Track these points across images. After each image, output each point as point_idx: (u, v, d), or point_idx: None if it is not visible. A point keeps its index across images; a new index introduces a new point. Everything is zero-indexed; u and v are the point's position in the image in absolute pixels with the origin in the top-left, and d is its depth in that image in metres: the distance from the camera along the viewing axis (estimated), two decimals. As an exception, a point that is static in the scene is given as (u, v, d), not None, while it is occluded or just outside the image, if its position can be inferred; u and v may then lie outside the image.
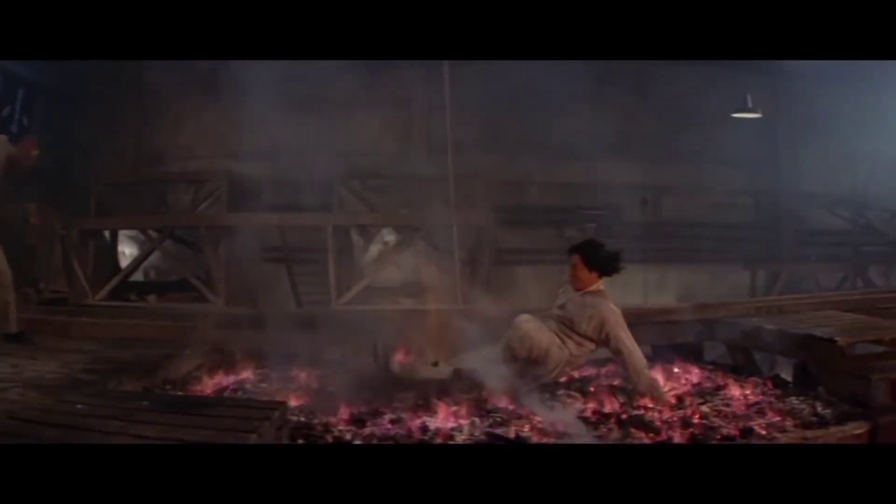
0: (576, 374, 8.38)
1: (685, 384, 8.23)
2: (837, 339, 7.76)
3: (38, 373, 7.02)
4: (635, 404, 7.25)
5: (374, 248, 14.94)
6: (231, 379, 8.02)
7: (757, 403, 7.28)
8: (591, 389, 7.71)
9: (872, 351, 8.36)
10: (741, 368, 8.81)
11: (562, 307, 8.17)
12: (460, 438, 6.23)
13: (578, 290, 8.12)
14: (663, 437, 6.35)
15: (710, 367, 8.92)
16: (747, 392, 7.70)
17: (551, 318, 8.11)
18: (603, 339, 7.91)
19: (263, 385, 7.91)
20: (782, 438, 6.29)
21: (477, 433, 6.35)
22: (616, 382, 8.07)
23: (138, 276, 14.64)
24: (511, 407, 7.05)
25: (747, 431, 6.41)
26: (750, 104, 15.71)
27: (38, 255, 12.84)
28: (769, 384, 8.00)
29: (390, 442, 6.12)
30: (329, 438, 6.13)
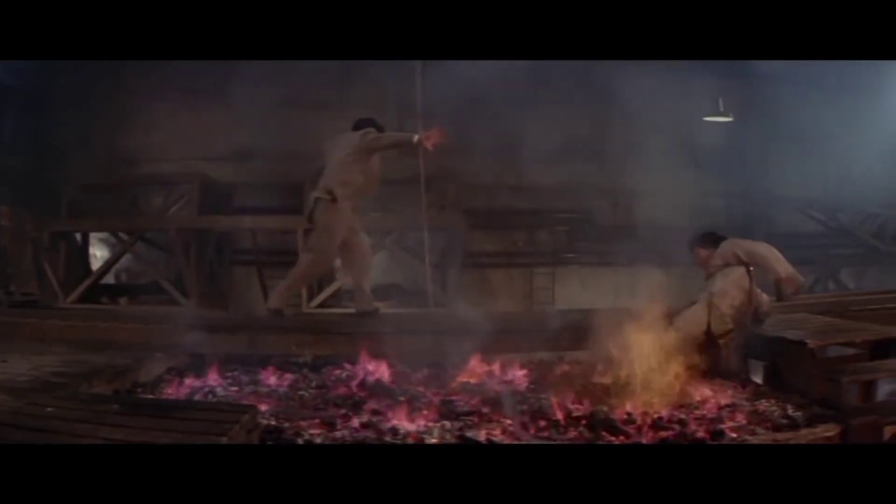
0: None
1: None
2: (808, 341, 7.79)
3: (8, 375, 6.97)
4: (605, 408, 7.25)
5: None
6: (202, 382, 8.00)
7: (727, 406, 7.30)
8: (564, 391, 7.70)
9: (843, 353, 8.41)
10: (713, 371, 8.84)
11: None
12: (431, 442, 6.24)
13: (711, 273, 8.88)
14: (633, 440, 6.37)
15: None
16: (717, 394, 7.71)
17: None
18: (747, 260, 8.63)
19: (234, 388, 7.89)
20: (753, 441, 6.32)
21: (448, 437, 6.36)
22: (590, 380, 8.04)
23: (109, 279, 14.62)
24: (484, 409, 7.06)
25: (718, 434, 6.43)
26: (722, 108, 15.78)
27: (8, 257, 12.78)
28: (740, 386, 8.02)
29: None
30: (300, 442, 6.13)
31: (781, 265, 8.51)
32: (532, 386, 8.08)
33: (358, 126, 10.40)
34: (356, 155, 10.10)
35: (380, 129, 10.40)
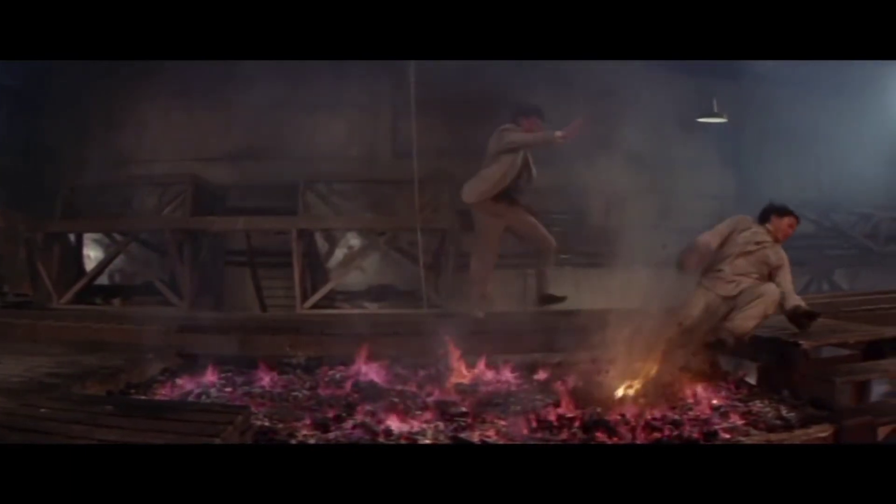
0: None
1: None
2: (802, 342, 7.80)
3: (1, 376, 6.98)
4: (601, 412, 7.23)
5: (339, 252, 14.94)
6: (195, 383, 7.98)
7: (721, 407, 7.30)
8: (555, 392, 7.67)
9: (837, 354, 8.42)
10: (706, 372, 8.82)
11: (759, 244, 9.07)
12: (424, 442, 6.22)
13: (779, 241, 9.18)
14: (627, 440, 6.36)
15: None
16: (711, 395, 7.69)
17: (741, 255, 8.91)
18: (766, 276, 8.69)
19: (228, 389, 7.88)
20: (746, 442, 6.31)
21: (441, 438, 6.35)
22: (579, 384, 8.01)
23: (103, 280, 14.57)
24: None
25: (711, 435, 6.42)
26: (716, 109, 15.73)
27: (2, 257, 12.76)
28: (733, 387, 8.01)
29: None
30: (293, 442, 6.12)
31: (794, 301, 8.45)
32: (526, 387, 8.08)
33: (517, 111, 10.47)
34: (495, 156, 10.35)
35: (540, 116, 10.50)
